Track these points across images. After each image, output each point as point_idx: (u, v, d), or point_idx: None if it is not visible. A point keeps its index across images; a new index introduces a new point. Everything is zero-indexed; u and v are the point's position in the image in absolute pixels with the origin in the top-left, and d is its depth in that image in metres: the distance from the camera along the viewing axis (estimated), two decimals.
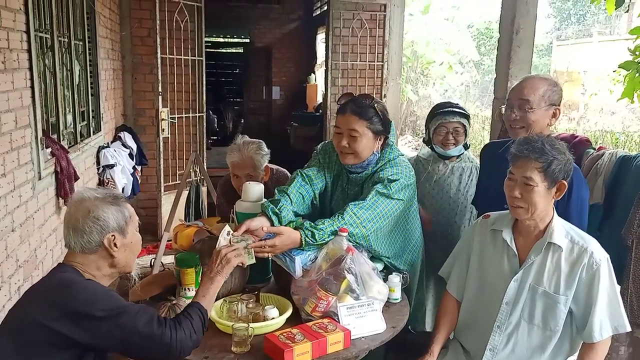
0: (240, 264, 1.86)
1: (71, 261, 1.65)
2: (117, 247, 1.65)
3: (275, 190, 2.29)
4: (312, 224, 2.05)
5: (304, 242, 2.01)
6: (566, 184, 1.91)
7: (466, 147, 2.87)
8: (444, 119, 2.80)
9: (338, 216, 2.10)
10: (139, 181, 5.32)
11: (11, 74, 2.60)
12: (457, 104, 2.89)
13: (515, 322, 1.99)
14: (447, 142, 2.80)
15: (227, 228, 1.95)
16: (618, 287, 2.01)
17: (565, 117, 12.38)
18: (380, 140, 2.27)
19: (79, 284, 1.57)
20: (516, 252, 2.00)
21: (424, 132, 3.00)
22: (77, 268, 1.63)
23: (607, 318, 1.89)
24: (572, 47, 15.65)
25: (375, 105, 2.23)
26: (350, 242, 2.06)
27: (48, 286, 1.60)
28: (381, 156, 2.31)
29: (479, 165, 2.88)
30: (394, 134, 2.41)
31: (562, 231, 1.95)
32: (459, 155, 2.88)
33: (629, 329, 1.92)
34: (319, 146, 2.54)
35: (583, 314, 1.91)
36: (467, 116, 2.82)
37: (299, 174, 2.38)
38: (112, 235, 1.64)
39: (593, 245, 1.91)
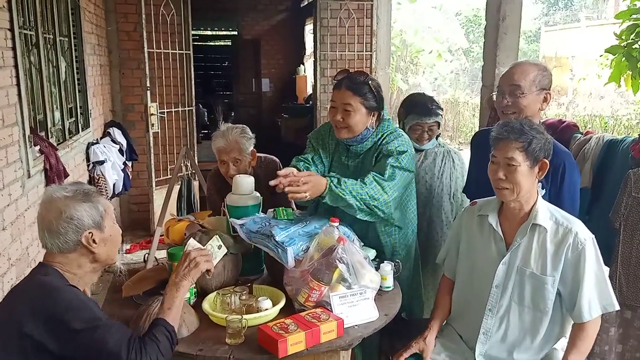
0: (207, 273, 1.77)
1: (51, 262, 1.60)
2: (96, 243, 1.61)
3: (294, 162, 2.42)
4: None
5: (328, 186, 2.11)
6: (548, 162, 1.95)
7: (437, 136, 2.91)
8: (420, 119, 2.81)
9: (361, 180, 2.21)
10: (130, 177, 5.30)
11: None
12: (432, 100, 2.89)
13: (506, 305, 2.02)
14: (422, 139, 2.86)
15: (192, 242, 1.90)
16: (606, 268, 2.04)
17: (555, 103, 12.44)
18: (373, 116, 2.33)
19: (60, 291, 1.51)
20: (502, 236, 2.04)
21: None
22: (59, 269, 1.59)
23: (596, 297, 1.92)
24: (560, 32, 15.70)
25: (370, 82, 2.30)
26: (373, 211, 2.20)
27: (28, 289, 1.55)
28: (381, 128, 2.37)
29: (451, 149, 2.92)
30: (387, 111, 2.44)
31: (547, 213, 1.98)
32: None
33: (617, 307, 1.95)
34: (309, 137, 2.58)
35: (571, 294, 1.94)
36: (440, 113, 2.85)
37: (297, 159, 2.46)
38: (90, 233, 1.59)
39: (577, 226, 1.94)
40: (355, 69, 6.12)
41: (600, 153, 2.70)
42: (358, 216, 2.22)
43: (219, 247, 1.93)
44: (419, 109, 2.84)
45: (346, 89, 2.28)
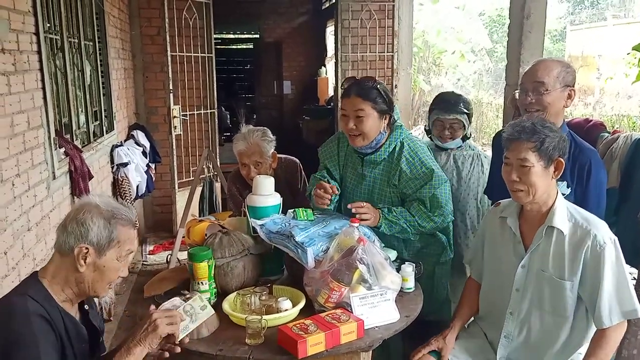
0: (169, 340, 1.60)
1: (44, 277, 1.55)
2: (85, 263, 1.52)
3: (313, 182, 2.51)
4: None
5: (381, 215, 2.29)
6: (563, 161, 1.90)
7: (466, 138, 2.86)
8: (440, 114, 2.81)
9: (407, 209, 2.35)
10: (153, 179, 5.37)
11: (22, 75, 2.64)
12: (459, 98, 2.87)
13: (527, 309, 1.98)
14: (444, 136, 2.83)
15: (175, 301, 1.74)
16: (631, 270, 1.97)
17: (581, 103, 12.21)
18: (385, 119, 2.34)
19: (18, 321, 1.42)
20: (520, 239, 1.99)
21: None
22: (47, 285, 1.53)
23: (616, 303, 1.84)
24: (586, 31, 15.41)
25: (378, 86, 2.31)
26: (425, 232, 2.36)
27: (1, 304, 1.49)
28: (394, 137, 2.38)
29: (481, 152, 2.88)
30: (399, 115, 2.45)
31: (565, 214, 1.91)
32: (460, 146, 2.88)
33: None
34: (319, 152, 2.63)
35: (591, 298, 1.87)
36: (466, 113, 2.80)
37: (314, 176, 2.56)
38: (86, 249, 1.51)
39: (597, 227, 1.87)
40: (377, 70, 6.13)
41: (628, 152, 2.63)
42: (412, 238, 2.40)
43: (203, 308, 1.72)
44: (442, 105, 2.83)
45: (356, 95, 2.29)
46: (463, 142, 2.86)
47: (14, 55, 2.55)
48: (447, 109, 2.79)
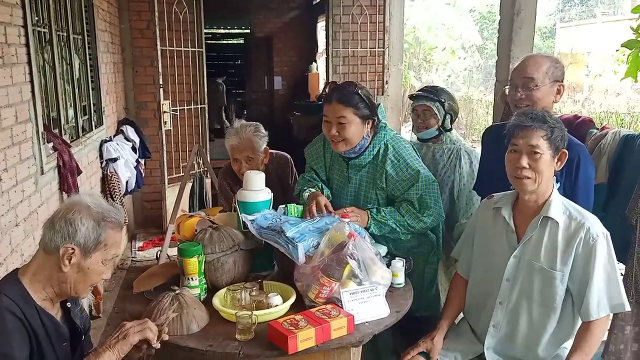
0: (148, 347, 1.60)
1: (25, 275, 1.53)
2: (69, 263, 1.50)
3: (302, 183, 2.53)
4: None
5: (370, 216, 2.31)
6: (567, 153, 1.93)
7: (445, 129, 2.89)
8: (414, 103, 2.91)
9: (396, 209, 2.36)
10: (143, 174, 5.33)
11: (10, 68, 2.60)
12: (433, 87, 2.96)
13: (516, 299, 2.00)
14: (419, 126, 2.90)
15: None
16: (619, 266, 2.00)
17: (570, 99, 12.30)
18: (368, 124, 2.34)
19: None
20: (514, 229, 2.01)
21: None
22: (26, 283, 1.51)
23: (605, 296, 1.86)
24: (576, 28, 15.51)
25: (359, 91, 2.30)
26: (415, 233, 2.38)
27: None
28: (378, 139, 2.37)
29: (463, 147, 2.89)
30: (384, 115, 2.45)
31: (560, 207, 1.94)
32: (439, 137, 2.90)
33: (628, 308, 1.90)
34: (305, 153, 2.63)
35: (579, 290, 1.89)
36: (436, 100, 2.84)
37: (307, 181, 2.55)
38: (72, 249, 1.49)
39: (591, 221, 1.90)
40: (368, 66, 6.14)
41: (616, 148, 2.65)
42: (402, 238, 2.39)
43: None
44: (415, 95, 2.93)
45: (337, 102, 2.28)
46: (440, 133, 2.88)
47: (1, 48, 2.52)
48: (418, 97, 2.89)
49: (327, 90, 2.39)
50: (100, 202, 1.58)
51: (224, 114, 10.82)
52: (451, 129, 2.93)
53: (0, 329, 1.41)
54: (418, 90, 2.98)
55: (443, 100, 2.85)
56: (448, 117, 2.87)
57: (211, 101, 9.29)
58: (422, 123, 2.86)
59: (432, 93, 2.86)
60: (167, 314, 1.72)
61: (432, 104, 2.83)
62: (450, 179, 2.85)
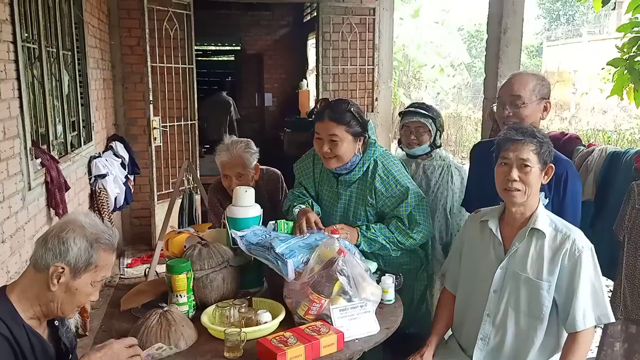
0: None
1: (13, 291, 1.50)
2: (57, 282, 1.47)
3: (292, 198, 2.54)
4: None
5: (360, 233, 2.32)
6: (553, 167, 1.98)
7: (435, 146, 2.91)
8: (406, 119, 2.90)
9: (386, 225, 2.37)
10: (132, 190, 5.29)
11: None
12: (423, 104, 2.97)
13: (503, 310, 2.01)
14: (411, 142, 2.89)
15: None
16: (610, 282, 2.02)
17: (557, 117, 12.45)
18: (359, 141, 2.34)
19: None
20: (501, 240, 2.03)
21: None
22: (14, 301, 1.48)
23: (590, 307, 1.90)
24: (562, 47, 15.77)
25: (352, 108, 2.31)
26: (405, 249, 2.40)
27: None
28: (367, 155, 2.38)
29: (452, 163, 2.92)
30: (374, 131, 2.46)
31: (547, 219, 1.98)
32: (429, 154, 2.92)
33: (612, 319, 1.94)
34: (294, 168, 2.64)
35: (565, 301, 1.92)
36: (429, 116, 2.86)
37: (292, 192, 2.57)
38: (62, 268, 1.47)
39: (576, 234, 1.94)
40: (358, 83, 6.18)
41: (603, 165, 2.68)
42: (393, 254, 2.40)
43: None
44: (407, 111, 2.93)
45: (329, 119, 2.29)
46: (431, 149, 2.90)
47: None
48: (411, 113, 2.88)
49: (318, 107, 2.40)
50: (95, 222, 1.55)
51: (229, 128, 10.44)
52: (440, 145, 2.96)
53: None
54: (409, 107, 2.99)
55: (435, 116, 2.87)
56: (438, 133, 2.89)
57: (219, 114, 9.33)
58: (415, 139, 2.86)
59: (424, 109, 2.88)
60: (154, 349, 1.67)
61: (425, 120, 2.84)
62: (443, 196, 2.86)
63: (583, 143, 2.94)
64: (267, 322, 1.86)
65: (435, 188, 2.87)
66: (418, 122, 2.85)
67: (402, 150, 2.97)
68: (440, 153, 2.95)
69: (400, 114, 3.00)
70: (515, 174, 1.92)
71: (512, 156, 1.93)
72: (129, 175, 5.14)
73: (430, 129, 2.85)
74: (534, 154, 1.91)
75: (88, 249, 1.49)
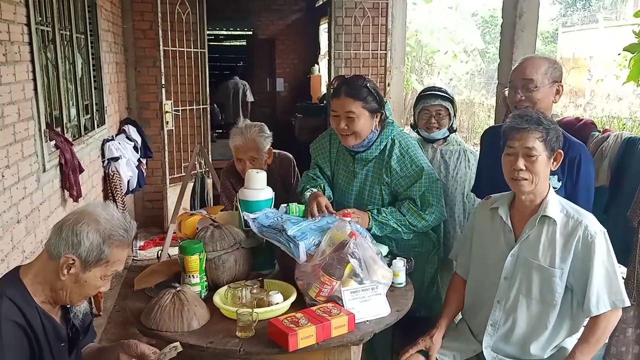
0: None
1: (27, 275, 1.52)
2: (67, 273, 1.49)
3: (305, 180, 2.52)
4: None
5: (371, 217, 2.30)
6: (562, 153, 1.95)
7: (451, 130, 2.89)
8: (426, 102, 2.85)
9: (397, 209, 2.35)
10: (145, 174, 5.34)
11: (13, 66, 2.61)
12: (441, 88, 2.93)
13: (514, 297, 2.01)
14: (430, 126, 2.84)
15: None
16: (624, 268, 2.00)
17: (572, 104, 12.30)
18: (376, 117, 2.33)
19: None
20: (511, 228, 2.02)
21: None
22: (26, 285, 1.50)
23: (605, 292, 1.88)
24: (578, 33, 15.52)
25: (368, 84, 2.30)
26: (417, 232, 2.39)
27: None
28: (385, 134, 2.37)
29: (467, 148, 2.89)
30: (391, 112, 2.45)
31: (557, 206, 1.96)
32: (445, 139, 2.89)
33: (627, 303, 1.92)
34: (310, 149, 2.63)
35: (581, 287, 1.91)
36: (449, 100, 2.84)
37: (307, 174, 2.56)
38: (73, 260, 1.48)
39: (588, 219, 1.92)
40: (370, 68, 6.13)
41: (618, 151, 2.64)
42: (405, 237, 2.39)
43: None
44: (426, 94, 2.88)
45: (346, 95, 2.27)
46: (449, 133, 2.88)
47: (5, 45, 2.53)
48: (432, 96, 2.84)
49: (334, 84, 2.38)
50: (112, 216, 1.54)
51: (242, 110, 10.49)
52: (456, 130, 2.94)
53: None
54: (427, 90, 2.94)
55: (453, 100, 2.85)
56: (454, 117, 2.87)
57: (235, 98, 9.40)
58: (436, 123, 2.82)
59: (444, 92, 2.85)
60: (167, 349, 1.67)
61: (446, 103, 2.82)
62: (462, 180, 2.84)
63: (598, 129, 2.90)
64: (279, 303, 1.87)
65: (455, 173, 2.85)
66: (439, 105, 2.81)
67: (419, 134, 2.93)
68: (455, 138, 2.93)
69: (417, 97, 2.95)
70: (521, 163, 1.90)
71: (518, 145, 1.90)
72: (141, 159, 5.19)
73: (450, 112, 2.83)
74: (540, 142, 1.88)
75: (100, 245, 1.50)
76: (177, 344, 1.67)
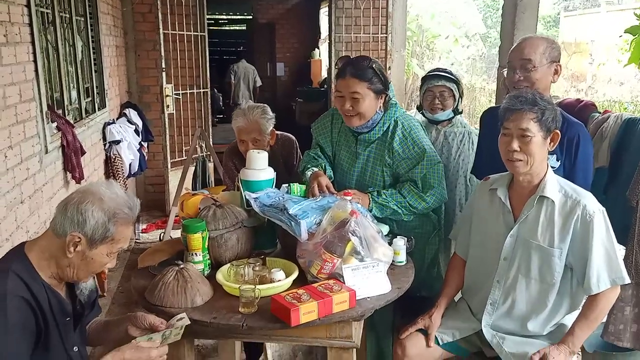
0: None
1: (32, 250, 1.54)
2: (74, 251, 1.51)
3: (307, 160, 2.52)
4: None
5: (371, 199, 2.30)
6: (559, 133, 1.94)
7: (456, 112, 2.88)
8: (429, 83, 2.85)
9: (398, 190, 2.35)
10: (146, 157, 5.35)
11: (14, 47, 2.61)
12: (446, 69, 2.92)
13: (513, 277, 2.02)
14: (434, 107, 2.84)
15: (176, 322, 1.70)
16: (622, 247, 2.02)
17: (574, 89, 12.26)
18: (381, 98, 2.32)
19: None
20: (510, 209, 2.03)
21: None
22: (33, 260, 1.52)
23: (605, 270, 1.90)
24: (580, 17, 15.41)
25: (373, 65, 2.29)
26: (417, 214, 2.38)
27: None
28: (388, 115, 2.37)
29: (472, 130, 2.89)
30: (394, 93, 2.45)
31: (556, 186, 1.96)
32: (450, 120, 2.89)
33: (627, 280, 1.94)
34: (312, 128, 2.63)
35: (580, 266, 1.93)
36: (454, 81, 2.83)
37: (308, 153, 2.55)
38: (79, 238, 1.50)
39: (587, 198, 1.93)
40: (370, 51, 6.11)
41: (618, 132, 2.65)
42: (405, 219, 2.39)
43: (176, 335, 1.68)
44: (431, 75, 2.88)
45: (351, 76, 2.26)
46: (454, 115, 2.87)
47: (5, 26, 2.52)
48: (436, 77, 2.83)
49: (339, 64, 2.38)
50: (116, 195, 1.56)
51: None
52: (461, 112, 2.93)
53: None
54: (432, 71, 2.93)
55: (458, 80, 2.84)
56: (460, 99, 2.86)
57: (247, 80, 9.41)
58: (440, 104, 2.82)
59: (449, 73, 2.84)
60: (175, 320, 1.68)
61: (450, 84, 2.81)
62: (465, 162, 2.85)
63: (598, 110, 2.91)
64: (281, 280, 1.89)
65: (457, 155, 2.85)
66: (443, 86, 2.81)
67: (424, 116, 2.92)
68: (460, 120, 2.92)
69: (422, 79, 2.94)
70: (515, 144, 1.90)
71: (512, 126, 1.91)
72: (142, 143, 5.19)
73: (455, 93, 2.82)
74: (535, 123, 1.88)
75: (105, 223, 1.51)
76: (184, 314, 1.69)
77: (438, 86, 2.81)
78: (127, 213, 1.57)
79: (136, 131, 5.00)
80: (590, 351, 2.49)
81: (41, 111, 2.93)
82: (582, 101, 3.03)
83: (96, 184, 1.59)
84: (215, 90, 9.40)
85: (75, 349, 1.65)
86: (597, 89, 12.18)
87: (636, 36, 3.81)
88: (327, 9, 7.77)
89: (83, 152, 3.43)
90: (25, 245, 1.57)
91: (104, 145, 4.48)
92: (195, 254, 2.02)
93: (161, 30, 5.03)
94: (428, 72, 2.95)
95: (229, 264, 2.01)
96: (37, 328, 1.50)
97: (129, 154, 4.69)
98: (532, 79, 2.18)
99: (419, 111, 2.99)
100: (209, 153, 4.91)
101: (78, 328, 1.69)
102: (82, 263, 1.54)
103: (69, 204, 1.51)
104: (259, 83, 9.61)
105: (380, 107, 2.33)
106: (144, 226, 5.31)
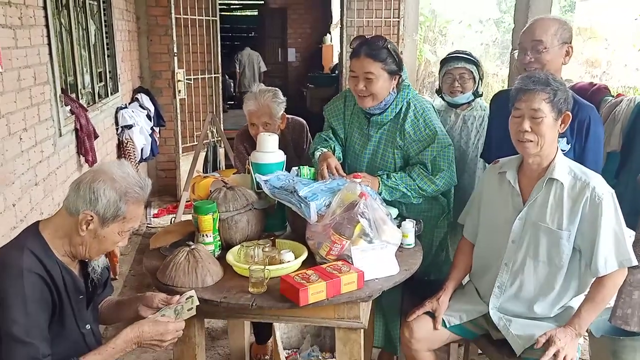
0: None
1: (46, 229, 1.58)
2: (86, 229, 1.54)
3: (317, 142, 2.52)
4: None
5: (380, 182, 2.30)
6: (570, 115, 1.93)
7: (477, 95, 2.82)
8: (449, 65, 2.79)
9: (407, 173, 2.35)
10: (158, 142, 5.39)
11: (28, 30, 2.64)
12: (465, 51, 2.86)
13: (521, 260, 2.03)
14: (454, 90, 2.78)
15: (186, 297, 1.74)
16: (630, 232, 2.01)
17: (588, 75, 12.09)
18: (395, 79, 2.31)
19: (9, 276, 1.46)
20: (519, 191, 2.03)
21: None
22: (47, 237, 1.56)
23: (613, 252, 1.90)
24: (596, 2, 15.15)
25: (388, 45, 2.28)
26: (427, 196, 2.39)
27: None
28: (401, 97, 2.37)
29: None
30: (407, 75, 2.44)
31: (565, 168, 1.96)
32: (470, 103, 2.84)
33: (635, 262, 1.93)
34: (324, 110, 2.62)
35: (589, 248, 1.92)
36: (474, 62, 2.77)
37: (319, 135, 2.55)
38: (91, 216, 1.53)
39: (596, 180, 1.92)
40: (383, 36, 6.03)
41: (631, 115, 2.63)
42: (414, 202, 2.40)
43: (189, 310, 1.72)
44: (450, 57, 2.82)
45: (365, 56, 2.25)
46: (474, 97, 2.81)
47: (20, 9, 2.55)
48: (455, 59, 2.78)
49: (354, 44, 2.36)
50: (127, 174, 1.59)
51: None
52: (482, 95, 2.87)
53: (15, 294, 1.44)
54: (451, 53, 2.87)
55: (478, 63, 2.79)
56: (480, 82, 2.81)
57: (252, 66, 9.48)
58: (459, 86, 2.76)
59: (469, 55, 2.78)
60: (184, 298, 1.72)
61: (470, 66, 2.75)
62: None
63: (611, 94, 2.88)
64: (290, 261, 1.91)
65: (476, 139, 2.81)
66: (463, 68, 2.75)
67: (443, 99, 2.87)
68: (480, 103, 2.86)
69: (441, 61, 2.88)
70: (526, 124, 1.89)
71: (524, 107, 1.90)
72: (154, 127, 5.23)
73: (475, 75, 2.77)
74: (547, 103, 1.87)
75: (117, 202, 1.54)
76: (193, 292, 1.73)
77: (458, 68, 2.75)
78: (138, 192, 1.60)
79: (148, 116, 5.04)
80: (597, 335, 2.49)
81: (55, 94, 2.96)
82: (595, 85, 3.01)
83: (108, 164, 1.62)
84: (227, 76, 9.43)
85: (88, 327, 1.69)
86: (612, 75, 12.01)
87: None
88: None
89: (96, 136, 3.47)
90: (40, 224, 1.60)
91: (117, 129, 4.52)
92: (206, 235, 2.04)
93: (173, 15, 5.04)
94: (447, 55, 2.89)
95: (239, 245, 2.04)
96: (52, 303, 1.54)
97: (141, 138, 4.72)
98: (543, 61, 2.17)
99: (437, 95, 2.93)
100: (220, 138, 4.94)
101: (91, 306, 1.73)
102: (94, 241, 1.58)
103: (82, 183, 1.55)
104: (263, 68, 9.63)
105: (393, 88, 2.33)
106: (155, 211, 5.36)
